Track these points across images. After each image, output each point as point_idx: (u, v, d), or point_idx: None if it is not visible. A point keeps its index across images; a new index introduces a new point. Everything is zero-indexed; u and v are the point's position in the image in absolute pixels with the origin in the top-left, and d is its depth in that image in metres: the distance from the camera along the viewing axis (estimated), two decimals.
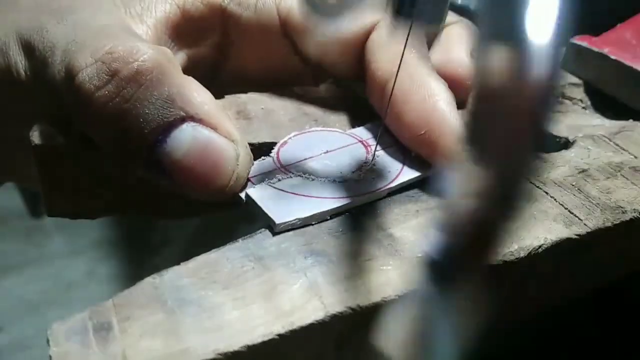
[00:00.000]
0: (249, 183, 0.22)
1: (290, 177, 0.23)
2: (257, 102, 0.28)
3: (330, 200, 0.22)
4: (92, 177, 0.24)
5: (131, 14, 0.25)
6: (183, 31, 0.26)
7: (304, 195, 0.22)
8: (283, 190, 0.22)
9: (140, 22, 0.25)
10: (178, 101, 0.21)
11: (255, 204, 0.21)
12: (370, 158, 0.24)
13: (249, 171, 0.22)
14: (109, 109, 0.21)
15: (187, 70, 0.27)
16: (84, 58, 0.21)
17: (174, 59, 0.22)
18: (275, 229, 0.20)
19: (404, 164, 0.24)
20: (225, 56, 0.29)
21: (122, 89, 0.21)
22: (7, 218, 1.16)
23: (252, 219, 0.22)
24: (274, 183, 0.22)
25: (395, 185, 0.23)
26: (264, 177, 0.22)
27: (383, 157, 0.24)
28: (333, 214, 0.21)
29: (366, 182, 0.23)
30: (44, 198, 0.25)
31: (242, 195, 0.22)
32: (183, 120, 0.21)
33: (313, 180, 0.22)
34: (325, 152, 0.24)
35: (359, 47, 0.27)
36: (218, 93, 0.28)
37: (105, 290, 1.01)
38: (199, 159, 0.21)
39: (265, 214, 0.21)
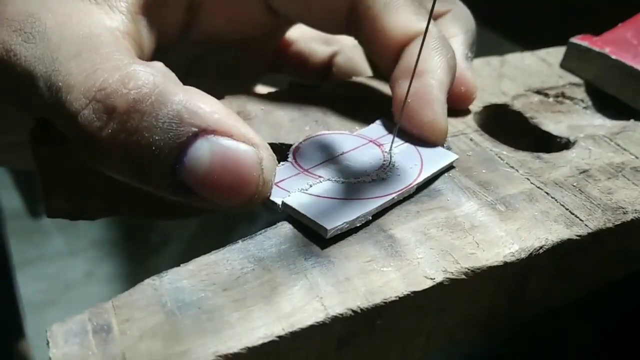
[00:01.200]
0: (277, 188, 0.22)
1: (320, 182, 0.22)
2: (257, 102, 0.28)
3: (369, 200, 0.22)
4: (92, 177, 0.24)
5: (97, 2, 0.23)
6: (153, 3, 0.25)
7: (341, 199, 0.22)
8: (319, 196, 0.22)
9: (110, 9, 0.23)
10: (186, 117, 0.20)
11: (299, 212, 0.21)
12: (388, 157, 0.24)
13: (275, 174, 0.22)
14: (118, 146, 0.20)
15: (157, 39, 0.26)
16: (77, 100, 0.20)
17: (169, 72, 0.21)
18: (326, 235, 0.20)
19: (422, 158, 0.24)
20: (194, 16, 0.28)
21: (125, 123, 0.20)
22: (7, 218, 1.16)
23: (252, 219, 0.22)
24: (306, 190, 0.22)
25: (423, 180, 0.23)
26: (291, 182, 0.22)
27: (401, 155, 0.25)
28: (374, 213, 0.21)
29: (394, 180, 0.23)
30: (44, 199, 0.25)
31: (278, 201, 0.21)
32: (196, 136, 0.20)
33: (343, 183, 0.22)
34: (341, 154, 0.24)
35: (347, 5, 0.26)
36: (217, 94, 0.28)
37: (105, 290, 1.01)
38: (222, 172, 0.20)
39: (314, 222, 0.20)
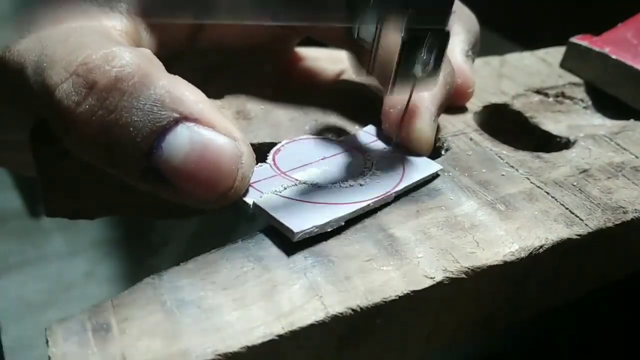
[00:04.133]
0: (251, 189, 0.22)
1: (296, 184, 0.22)
2: (256, 101, 0.28)
3: (342, 206, 0.21)
4: (92, 177, 0.24)
5: (99, 2, 0.23)
6: None
7: (315, 203, 0.21)
8: (292, 199, 0.21)
9: (110, 10, 0.23)
10: (168, 102, 0.19)
11: (268, 214, 0.20)
12: (369, 164, 0.24)
13: (253, 171, 0.22)
14: (94, 123, 0.19)
15: (162, 46, 0.26)
16: (57, 74, 0.20)
17: (156, 59, 0.21)
18: (293, 239, 0.20)
19: (404, 167, 0.24)
20: (200, 28, 0.28)
21: (104, 100, 0.19)
22: (7, 218, 1.16)
23: (252, 219, 0.22)
24: (280, 192, 0.22)
25: (402, 188, 0.23)
26: (267, 183, 0.22)
27: (384, 162, 0.24)
28: (347, 219, 0.21)
29: (372, 187, 0.23)
30: (43, 198, 0.25)
31: (249, 201, 0.21)
32: (177, 122, 0.19)
33: (319, 187, 0.22)
34: (322, 159, 0.24)
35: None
36: (217, 93, 0.28)
37: (105, 290, 1.01)
38: (200, 162, 0.19)
39: (281, 224, 0.20)
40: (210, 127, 0.20)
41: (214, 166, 0.20)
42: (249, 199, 0.21)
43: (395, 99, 0.25)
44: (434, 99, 0.25)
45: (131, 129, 0.19)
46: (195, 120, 0.20)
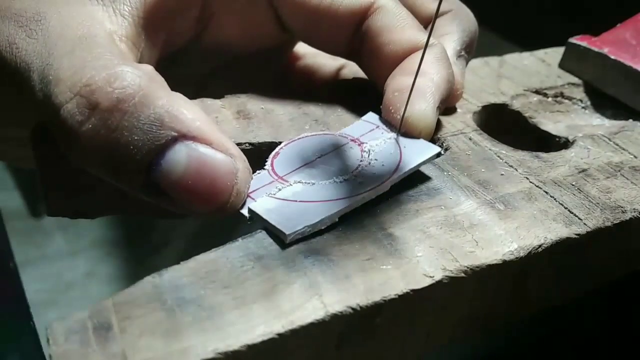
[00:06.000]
0: (249, 199, 0.22)
1: (290, 185, 0.22)
2: (256, 101, 0.28)
3: (335, 202, 0.21)
4: (92, 177, 0.24)
5: (104, 5, 0.24)
6: (161, 11, 0.25)
7: (308, 202, 0.21)
8: (286, 200, 0.21)
9: (114, 12, 0.24)
10: (167, 121, 0.20)
11: (261, 217, 0.21)
12: (366, 155, 0.24)
13: (249, 185, 0.22)
14: (97, 142, 0.20)
15: (164, 46, 0.26)
16: (62, 93, 0.20)
17: (158, 76, 0.22)
18: (286, 240, 0.20)
19: (400, 156, 0.24)
20: (204, 27, 0.28)
21: (106, 120, 0.20)
22: (7, 218, 1.16)
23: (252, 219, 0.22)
24: (274, 194, 0.22)
25: (397, 177, 0.23)
26: (264, 191, 0.22)
27: (381, 151, 0.24)
28: (341, 215, 0.21)
29: (367, 179, 0.23)
30: (44, 198, 0.25)
31: (245, 212, 0.21)
32: (175, 140, 0.20)
33: (313, 184, 0.22)
34: (319, 157, 0.24)
35: (354, 25, 0.27)
36: (217, 93, 0.28)
37: (105, 290, 1.01)
38: (197, 178, 0.20)
39: (274, 227, 0.20)
40: (208, 144, 0.21)
41: (210, 181, 0.21)
42: (245, 210, 0.21)
43: (398, 84, 0.25)
44: (437, 87, 0.25)
45: (132, 147, 0.20)
46: (193, 138, 0.21)
